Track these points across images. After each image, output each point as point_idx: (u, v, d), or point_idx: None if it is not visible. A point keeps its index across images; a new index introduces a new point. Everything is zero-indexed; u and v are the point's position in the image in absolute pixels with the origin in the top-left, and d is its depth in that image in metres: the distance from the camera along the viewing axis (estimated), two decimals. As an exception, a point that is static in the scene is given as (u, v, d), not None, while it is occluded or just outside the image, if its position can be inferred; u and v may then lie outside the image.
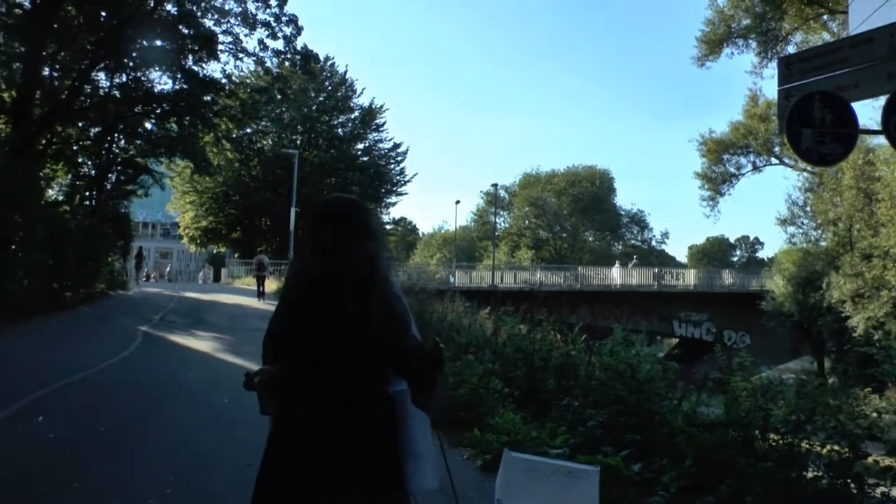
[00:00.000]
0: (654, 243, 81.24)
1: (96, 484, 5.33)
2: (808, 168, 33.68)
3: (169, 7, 22.14)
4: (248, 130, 41.94)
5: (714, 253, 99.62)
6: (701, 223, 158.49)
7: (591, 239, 74.74)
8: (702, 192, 45.74)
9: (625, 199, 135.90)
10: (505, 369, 9.35)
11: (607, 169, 76.58)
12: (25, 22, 18.83)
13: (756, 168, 45.05)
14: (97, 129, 25.78)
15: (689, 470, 5.88)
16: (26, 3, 20.08)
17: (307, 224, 2.75)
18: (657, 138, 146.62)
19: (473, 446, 7.01)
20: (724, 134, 44.51)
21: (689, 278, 48.11)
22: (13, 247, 15.50)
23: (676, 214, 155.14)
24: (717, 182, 45.09)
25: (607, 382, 7.64)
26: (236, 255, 49.68)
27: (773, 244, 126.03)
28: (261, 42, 23.15)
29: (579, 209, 71.30)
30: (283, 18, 22.35)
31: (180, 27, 22.07)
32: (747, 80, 44.70)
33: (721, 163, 44.93)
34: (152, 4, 21.05)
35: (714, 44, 37.10)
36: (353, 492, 2.51)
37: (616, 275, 46.02)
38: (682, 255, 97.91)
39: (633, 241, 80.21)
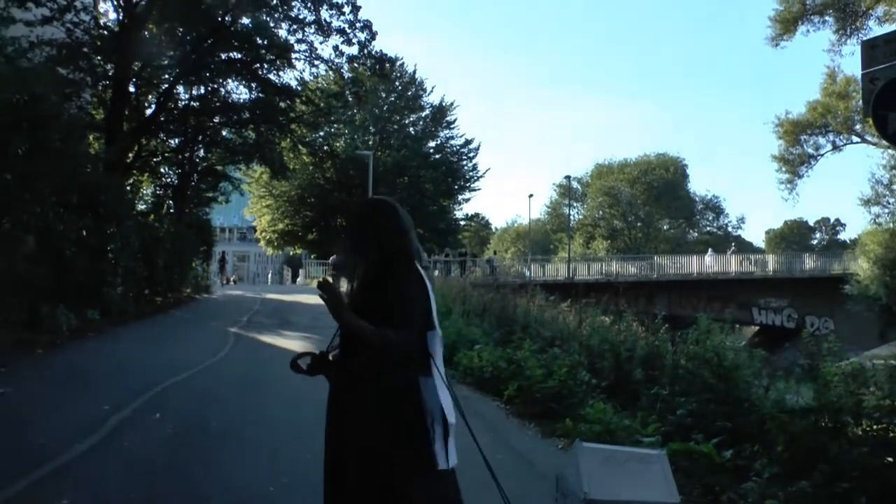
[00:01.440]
0: (730, 229, 79.61)
1: (220, 472, 5.75)
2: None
3: (245, 20, 22.81)
4: (321, 134, 42.68)
5: (792, 237, 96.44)
6: (778, 207, 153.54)
7: (665, 227, 73.58)
8: (779, 176, 44.57)
9: (699, 185, 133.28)
10: (591, 361, 9.51)
11: (680, 156, 75.38)
12: (113, 42, 19.76)
13: (836, 147, 43.60)
14: (178, 140, 26.84)
15: (781, 456, 5.90)
16: (111, 24, 21.09)
17: None
18: (731, 121, 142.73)
19: (566, 436, 7.19)
20: (800, 114, 43.17)
21: (768, 264, 46.79)
22: (110, 255, 16.35)
23: (752, 199, 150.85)
24: (794, 164, 43.80)
25: (694, 371, 7.73)
26: (313, 256, 50.56)
27: (856, 226, 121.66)
28: (336, 48, 23.52)
29: (653, 197, 70.23)
30: (358, 24, 22.65)
31: (256, 38, 22.72)
32: (824, 58, 43.34)
33: (799, 144, 43.61)
34: (229, 19, 21.73)
35: (789, 22, 36.13)
36: (375, 474, 2.63)
37: (709, 262, 44.87)
38: (759, 241, 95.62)
39: (708, 228, 78.69)
